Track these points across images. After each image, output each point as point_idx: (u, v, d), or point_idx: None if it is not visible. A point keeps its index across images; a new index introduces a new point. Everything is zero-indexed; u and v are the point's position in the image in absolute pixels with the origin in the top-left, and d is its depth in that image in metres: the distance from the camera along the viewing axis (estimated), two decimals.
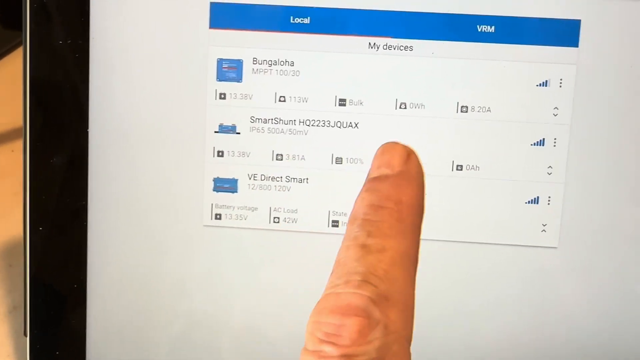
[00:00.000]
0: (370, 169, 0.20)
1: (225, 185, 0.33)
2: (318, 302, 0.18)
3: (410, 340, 0.18)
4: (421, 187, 0.20)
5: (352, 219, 0.19)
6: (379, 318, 0.18)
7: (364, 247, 0.18)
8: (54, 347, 0.34)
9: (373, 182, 0.20)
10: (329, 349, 0.17)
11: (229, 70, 0.32)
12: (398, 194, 0.19)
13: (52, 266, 0.34)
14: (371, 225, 0.19)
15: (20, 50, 0.66)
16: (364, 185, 0.20)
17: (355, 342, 0.17)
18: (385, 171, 0.20)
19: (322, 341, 0.18)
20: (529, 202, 0.32)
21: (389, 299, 0.18)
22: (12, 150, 0.55)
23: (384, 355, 0.17)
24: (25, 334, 0.34)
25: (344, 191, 0.33)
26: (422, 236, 0.32)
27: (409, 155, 0.20)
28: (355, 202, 0.20)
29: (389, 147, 0.20)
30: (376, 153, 0.20)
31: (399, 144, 0.20)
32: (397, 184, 0.19)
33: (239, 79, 0.32)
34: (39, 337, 0.34)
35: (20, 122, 0.57)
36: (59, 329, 0.34)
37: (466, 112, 0.32)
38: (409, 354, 0.18)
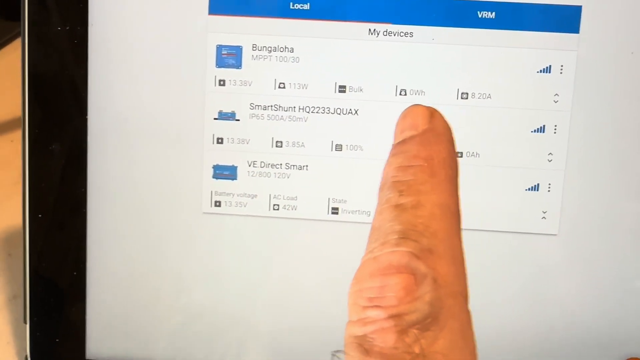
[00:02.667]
0: (394, 136, 0.19)
1: (225, 172, 0.33)
2: (356, 271, 0.17)
3: (467, 297, 0.17)
4: (451, 142, 0.19)
5: (382, 186, 0.18)
6: (425, 272, 0.16)
7: (397, 206, 0.17)
8: (54, 335, 0.34)
9: (398, 146, 0.19)
10: (374, 313, 0.16)
11: (229, 56, 0.32)
12: (427, 150, 0.18)
13: (52, 254, 0.34)
14: (402, 185, 0.18)
15: (17, 42, 0.66)
16: (389, 153, 0.19)
17: (403, 300, 0.16)
18: (409, 133, 0.19)
19: (366, 307, 0.16)
20: (529, 189, 0.32)
21: (433, 252, 0.17)
22: (12, 141, 0.55)
23: (439, 311, 0.16)
24: (25, 322, 0.34)
25: (344, 178, 0.33)
26: None
27: (432, 113, 0.19)
28: (383, 170, 0.19)
29: (410, 110, 0.19)
30: (397, 120, 0.19)
31: (420, 105, 0.19)
32: (424, 141, 0.18)
33: (238, 65, 0.32)
34: (39, 325, 0.34)
35: (19, 113, 0.57)
36: (59, 316, 0.34)
37: (466, 98, 0.32)
38: (468, 312, 0.17)
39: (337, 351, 0.17)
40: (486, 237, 0.33)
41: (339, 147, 0.32)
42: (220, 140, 0.32)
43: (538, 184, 0.32)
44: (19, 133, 0.56)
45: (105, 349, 0.34)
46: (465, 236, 0.33)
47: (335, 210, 0.33)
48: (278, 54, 0.32)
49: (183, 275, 0.33)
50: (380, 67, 0.32)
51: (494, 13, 0.31)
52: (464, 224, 0.32)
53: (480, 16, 0.31)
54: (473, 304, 0.33)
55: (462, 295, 0.17)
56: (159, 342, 0.34)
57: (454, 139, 0.19)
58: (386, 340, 0.16)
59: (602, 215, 0.32)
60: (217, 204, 0.33)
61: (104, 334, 0.34)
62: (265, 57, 0.32)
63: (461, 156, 0.32)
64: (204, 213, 0.33)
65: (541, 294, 0.33)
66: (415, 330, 0.16)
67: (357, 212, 0.33)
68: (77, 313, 0.34)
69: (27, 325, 0.34)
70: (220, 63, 0.32)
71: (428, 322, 0.16)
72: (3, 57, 0.65)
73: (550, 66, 0.32)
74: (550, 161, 0.32)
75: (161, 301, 0.34)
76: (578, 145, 0.32)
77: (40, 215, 0.33)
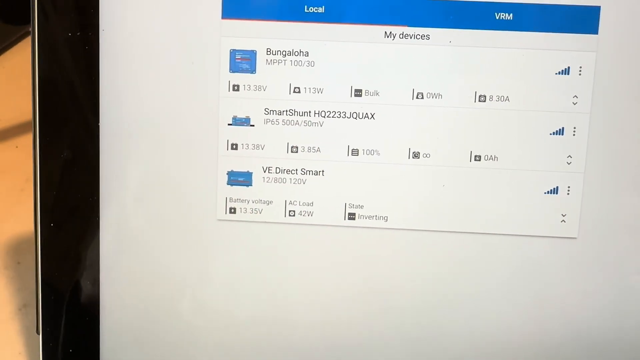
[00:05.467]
0: None
1: (240, 178, 0.32)
2: None
3: None
4: None
5: None
6: None
7: None
8: (68, 345, 0.33)
9: None
10: None
11: (242, 61, 0.32)
12: None
13: (64, 263, 0.33)
14: None
15: (20, 46, 0.65)
16: None
17: None
18: None
19: None
20: (548, 192, 0.32)
21: None
22: (17, 147, 0.54)
23: None
24: (37, 332, 0.34)
25: (361, 183, 0.32)
26: (439, 228, 0.32)
27: None
28: None
29: None
30: None
31: None
32: None
33: (252, 70, 0.32)
34: (52, 335, 0.33)
35: (23, 118, 0.57)
36: (72, 326, 0.33)
37: (484, 101, 0.31)
38: None
39: None
40: (505, 241, 0.32)
41: (355, 152, 0.32)
42: (234, 146, 0.32)
43: (557, 187, 0.32)
44: (23, 139, 0.56)
45: (120, 359, 0.34)
46: (483, 240, 0.32)
47: (352, 216, 0.32)
48: (293, 58, 0.31)
49: (198, 283, 0.33)
50: (396, 70, 0.31)
51: (511, 15, 0.31)
52: (483, 227, 0.32)
53: (497, 18, 0.31)
54: (492, 309, 0.32)
55: None
56: (174, 350, 0.34)
57: None
58: None
59: (622, 218, 0.32)
60: (232, 210, 0.32)
61: (119, 343, 0.34)
62: (280, 61, 0.31)
63: (479, 160, 0.32)
64: (219, 220, 0.33)
65: (561, 298, 0.33)
66: None
67: (375, 217, 0.32)
68: (91, 323, 0.33)
69: (40, 336, 0.33)
70: (234, 68, 0.32)
71: None
72: (5, 62, 0.64)
73: (568, 67, 0.31)
74: (569, 164, 0.32)
75: (176, 309, 0.33)
76: (597, 148, 0.32)
77: (52, 224, 0.33)
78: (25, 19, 0.70)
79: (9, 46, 0.65)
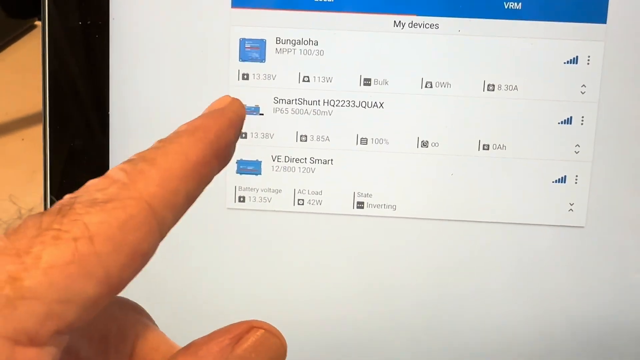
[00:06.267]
0: None
1: (249, 167, 0.32)
2: None
3: None
4: None
5: None
6: None
7: None
8: None
9: None
10: None
11: (252, 50, 0.32)
12: None
13: None
14: None
15: (24, 39, 0.65)
16: None
17: None
18: None
19: None
20: (556, 181, 0.32)
21: None
22: (22, 139, 0.55)
23: None
24: None
25: (370, 172, 0.32)
26: (448, 217, 0.32)
27: None
28: None
29: None
30: None
31: None
32: None
33: (262, 59, 0.32)
34: None
35: (29, 111, 0.57)
36: None
37: (493, 90, 0.31)
38: None
39: None
40: (513, 229, 0.32)
41: (364, 141, 0.32)
42: (244, 135, 0.32)
43: (565, 176, 0.32)
44: (29, 131, 0.56)
45: None
46: (491, 229, 0.32)
47: (360, 205, 0.32)
48: (302, 47, 0.31)
49: (207, 271, 0.33)
50: (405, 59, 0.31)
51: (520, 4, 0.31)
52: (491, 216, 0.32)
53: (506, 7, 0.31)
54: (499, 296, 0.33)
55: None
56: (182, 338, 0.34)
57: None
58: None
59: (630, 207, 0.32)
60: (241, 199, 0.33)
61: None
62: (289, 50, 0.32)
63: (488, 149, 0.32)
64: (228, 209, 0.33)
65: (568, 286, 0.33)
66: None
67: (383, 206, 0.32)
68: None
69: None
70: (244, 57, 0.32)
71: None
72: (10, 55, 0.64)
73: (577, 57, 0.31)
74: (577, 153, 0.32)
75: (185, 297, 0.33)
76: (605, 137, 0.32)
77: None
78: (29, 13, 0.70)
79: (13, 40, 0.65)
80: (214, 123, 0.17)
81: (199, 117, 0.17)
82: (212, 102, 0.19)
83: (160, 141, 0.16)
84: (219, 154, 0.17)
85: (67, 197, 0.15)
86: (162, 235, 0.16)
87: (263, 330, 0.17)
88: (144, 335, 0.18)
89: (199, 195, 0.16)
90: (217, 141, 0.17)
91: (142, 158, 0.16)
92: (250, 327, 0.17)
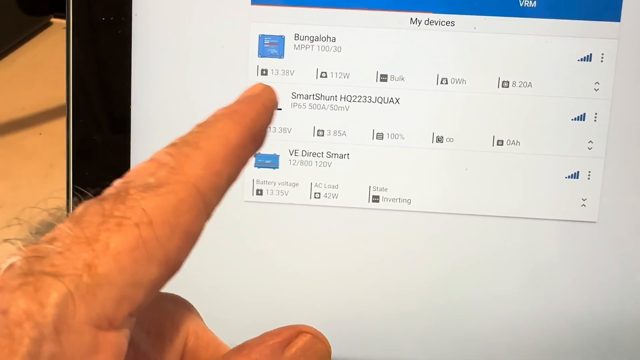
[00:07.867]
0: None
1: (267, 161, 0.33)
2: None
3: None
4: None
5: None
6: None
7: None
8: None
9: None
10: None
11: (271, 46, 0.32)
12: None
13: None
14: None
15: (41, 36, 0.66)
16: None
17: None
18: None
19: None
20: (569, 176, 0.33)
21: None
22: (40, 134, 0.55)
23: None
24: None
25: (385, 166, 0.33)
26: (462, 211, 0.33)
27: None
28: None
29: None
30: None
31: None
32: None
33: (280, 55, 0.32)
34: None
35: (46, 106, 0.58)
36: None
37: (507, 87, 0.32)
38: None
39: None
40: (526, 224, 0.33)
41: (380, 136, 0.33)
42: None
43: (578, 172, 0.33)
44: (46, 126, 0.56)
45: None
46: (505, 223, 0.33)
47: (376, 199, 0.33)
48: (320, 43, 0.32)
49: (225, 263, 0.34)
50: (421, 56, 0.32)
51: (535, 2, 0.31)
52: (505, 211, 0.33)
53: (521, 5, 0.31)
54: (512, 289, 0.33)
55: None
56: None
57: None
58: None
59: None
60: (259, 192, 0.33)
61: None
62: (308, 46, 0.32)
63: (502, 144, 0.32)
64: (246, 201, 0.33)
65: (581, 281, 0.33)
66: None
67: (398, 200, 0.33)
68: None
69: None
70: (263, 53, 0.32)
71: None
72: (27, 52, 0.65)
73: (591, 54, 0.32)
74: (590, 149, 0.32)
75: (202, 290, 0.34)
76: (618, 133, 0.32)
77: None
78: (45, 10, 0.71)
79: (30, 36, 0.66)
80: (250, 108, 0.18)
81: (234, 102, 0.18)
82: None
83: (199, 125, 0.17)
84: (255, 138, 0.17)
85: (119, 181, 0.16)
86: (208, 216, 0.16)
87: (310, 335, 0.17)
88: (196, 332, 0.19)
89: (238, 178, 0.17)
90: (254, 125, 0.17)
91: (185, 142, 0.16)
92: (299, 331, 0.17)
